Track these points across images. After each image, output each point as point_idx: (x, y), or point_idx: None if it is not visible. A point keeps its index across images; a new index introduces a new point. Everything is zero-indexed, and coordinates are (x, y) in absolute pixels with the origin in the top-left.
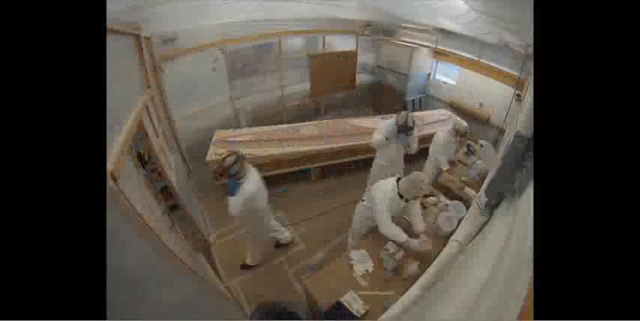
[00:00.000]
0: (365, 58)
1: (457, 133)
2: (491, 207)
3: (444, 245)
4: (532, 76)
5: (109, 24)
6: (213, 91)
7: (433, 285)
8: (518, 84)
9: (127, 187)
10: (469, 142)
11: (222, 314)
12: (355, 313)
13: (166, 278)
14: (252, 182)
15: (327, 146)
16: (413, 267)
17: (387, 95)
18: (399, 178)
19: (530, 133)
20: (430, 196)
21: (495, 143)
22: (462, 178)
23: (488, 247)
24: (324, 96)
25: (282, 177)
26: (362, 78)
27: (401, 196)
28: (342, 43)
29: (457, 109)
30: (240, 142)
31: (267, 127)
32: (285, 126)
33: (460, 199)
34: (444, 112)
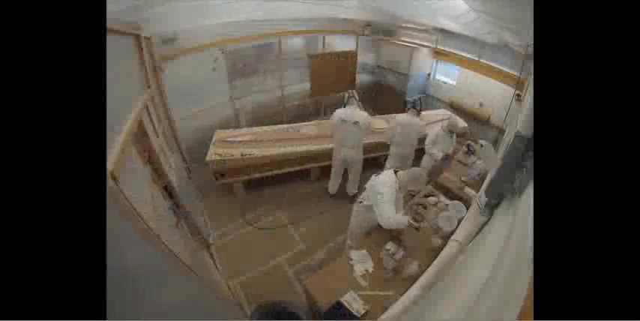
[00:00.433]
0: (365, 58)
1: (451, 131)
2: (491, 207)
3: (444, 245)
4: (532, 76)
5: (109, 24)
6: (213, 91)
7: (433, 285)
8: (518, 84)
9: (132, 183)
10: (469, 141)
11: (222, 314)
12: (355, 313)
13: (166, 278)
14: None
15: (327, 146)
16: (413, 267)
17: (387, 95)
18: (395, 171)
19: (530, 133)
20: (430, 196)
21: (495, 143)
22: (462, 178)
23: (488, 247)
24: (324, 96)
25: (282, 177)
26: (362, 78)
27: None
28: (342, 43)
29: (457, 109)
30: (240, 142)
31: (267, 127)
32: (285, 126)
33: (460, 199)
34: (443, 112)
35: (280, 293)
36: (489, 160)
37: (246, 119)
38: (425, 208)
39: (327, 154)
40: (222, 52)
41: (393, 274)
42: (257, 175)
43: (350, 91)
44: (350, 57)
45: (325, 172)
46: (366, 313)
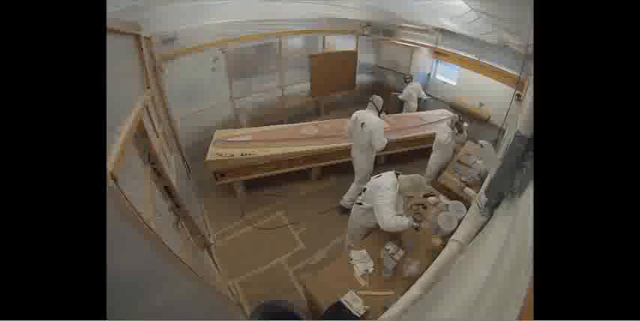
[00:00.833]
0: (365, 58)
1: (452, 126)
2: (491, 207)
3: (444, 245)
4: (532, 76)
5: (109, 24)
6: (213, 91)
7: (433, 285)
8: (518, 84)
9: (132, 183)
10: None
11: (222, 314)
12: (355, 313)
13: (166, 278)
14: None
15: (327, 146)
16: (413, 267)
17: (387, 95)
18: (396, 173)
19: (530, 133)
20: (430, 196)
21: (495, 143)
22: (462, 178)
23: (488, 247)
24: (324, 96)
25: (282, 177)
26: (362, 78)
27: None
28: (342, 43)
29: (457, 109)
30: (240, 142)
31: (267, 127)
32: (285, 126)
33: (460, 199)
34: (441, 112)
35: (280, 293)
36: (489, 160)
37: (247, 119)
38: (425, 208)
39: (328, 154)
40: (222, 52)
41: (393, 274)
42: (257, 175)
43: (375, 96)
44: (350, 57)
45: (325, 172)
46: (366, 313)
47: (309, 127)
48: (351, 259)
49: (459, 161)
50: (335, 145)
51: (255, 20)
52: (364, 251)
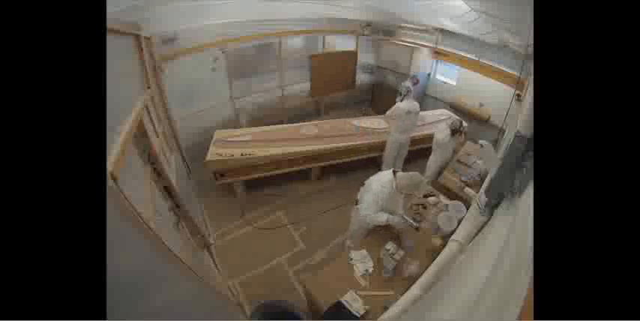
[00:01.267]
0: (365, 58)
1: (452, 131)
2: (491, 207)
3: (444, 245)
4: (532, 76)
5: (109, 24)
6: (213, 91)
7: (433, 285)
8: (518, 84)
9: (132, 183)
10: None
11: (222, 314)
12: (355, 313)
13: (166, 278)
14: None
15: (327, 146)
16: (413, 267)
17: (387, 95)
18: (394, 171)
19: (530, 133)
20: (430, 196)
21: (495, 143)
22: (462, 178)
23: (488, 247)
24: (324, 96)
25: (282, 177)
26: (362, 78)
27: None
28: (342, 43)
29: (457, 109)
30: (240, 142)
31: (267, 127)
32: (285, 126)
33: (460, 199)
34: (441, 112)
35: (280, 293)
36: (489, 160)
37: (247, 119)
38: (425, 208)
39: (328, 154)
40: (222, 52)
41: (393, 274)
42: (257, 175)
43: (406, 85)
44: (350, 57)
45: (325, 172)
46: (366, 313)
47: (309, 127)
48: (351, 259)
49: (458, 161)
50: (335, 145)
51: (255, 20)
52: (364, 251)
